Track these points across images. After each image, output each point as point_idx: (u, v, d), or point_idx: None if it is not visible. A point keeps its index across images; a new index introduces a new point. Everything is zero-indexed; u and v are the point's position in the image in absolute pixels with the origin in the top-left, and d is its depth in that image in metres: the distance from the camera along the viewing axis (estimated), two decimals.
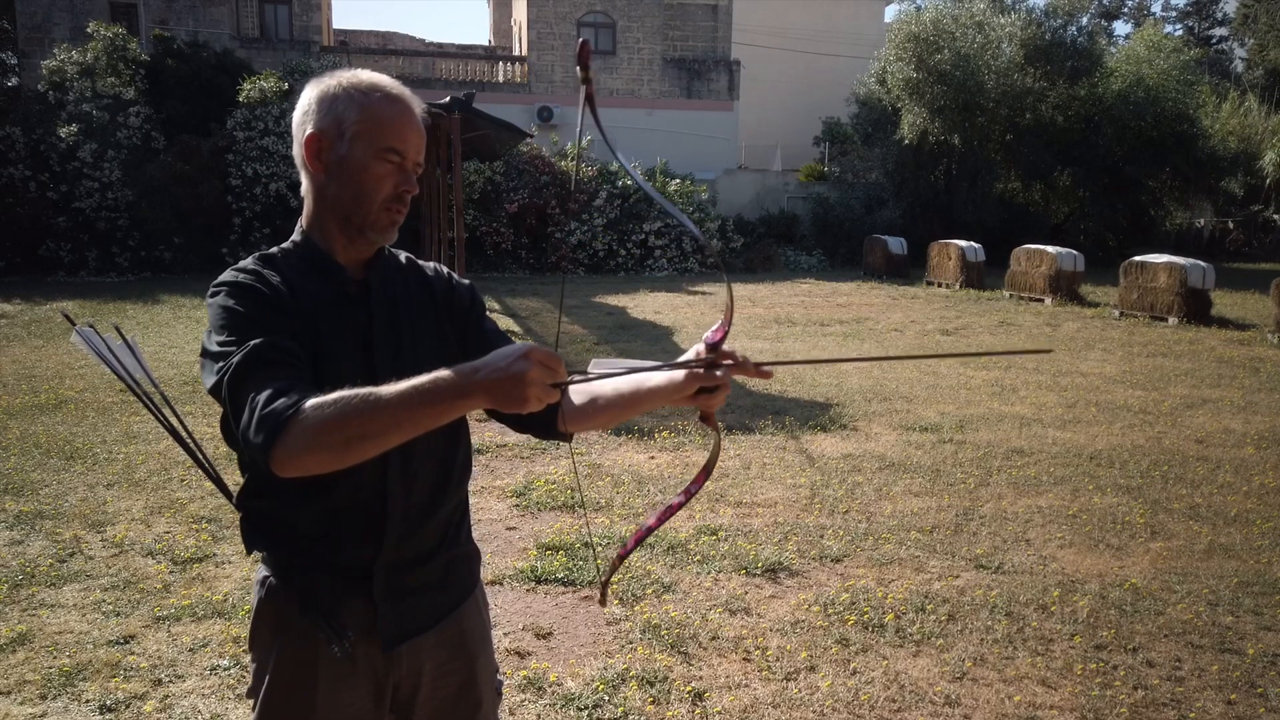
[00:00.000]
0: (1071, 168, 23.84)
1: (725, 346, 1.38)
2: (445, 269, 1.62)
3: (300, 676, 1.46)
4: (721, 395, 1.42)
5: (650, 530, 1.53)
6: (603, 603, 1.51)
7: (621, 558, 1.57)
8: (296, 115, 1.45)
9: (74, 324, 1.61)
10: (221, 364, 1.29)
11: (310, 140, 1.42)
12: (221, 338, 1.32)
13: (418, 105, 1.47)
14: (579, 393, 1.50)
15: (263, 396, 1.23)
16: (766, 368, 1.35)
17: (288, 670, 1.47)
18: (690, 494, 1.51)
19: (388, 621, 1.46)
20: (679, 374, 1.40)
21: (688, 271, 20.58)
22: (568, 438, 1.56)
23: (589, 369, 1.30)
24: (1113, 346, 11.01)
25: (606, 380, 1.43)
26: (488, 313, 1.63)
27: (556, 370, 1.18)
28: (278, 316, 1.35)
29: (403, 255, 1.58)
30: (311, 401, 1.20)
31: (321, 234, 1.46)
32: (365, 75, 1.44)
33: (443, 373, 1.19)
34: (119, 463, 5.77)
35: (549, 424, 1.51)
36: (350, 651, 1.44)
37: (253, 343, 1.29)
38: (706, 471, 1.48)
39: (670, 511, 1.52)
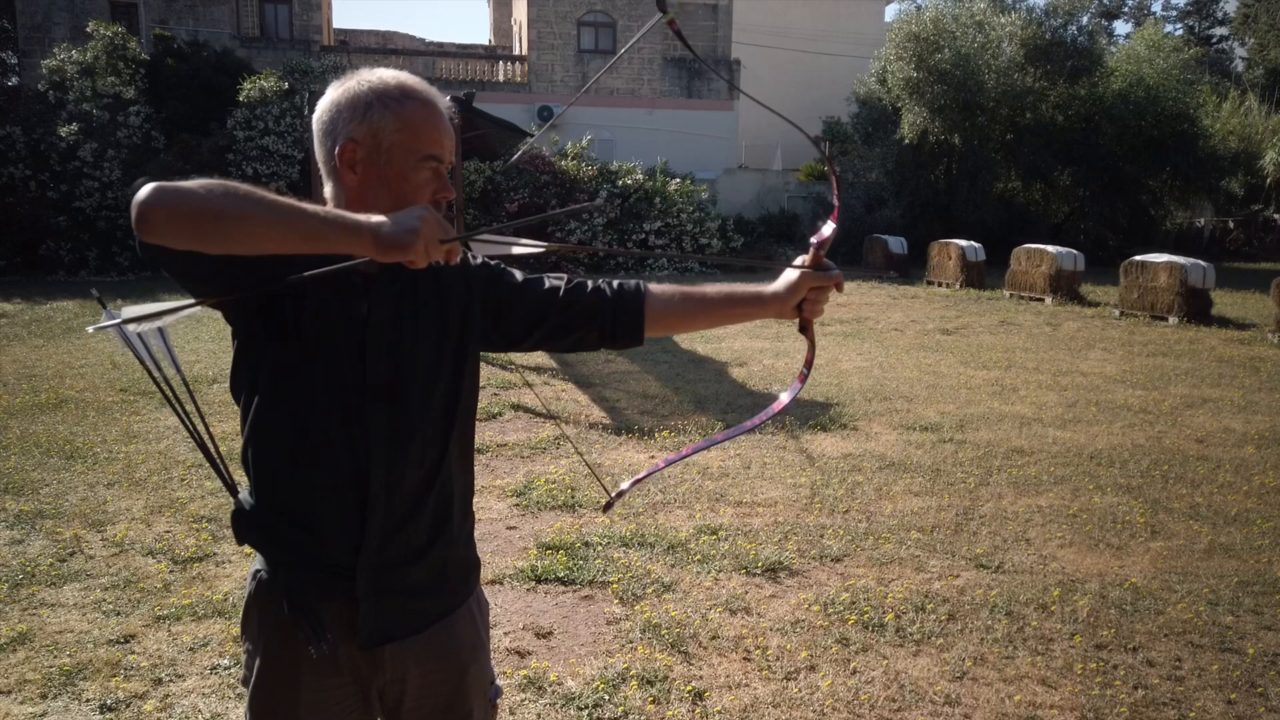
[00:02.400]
0: (1071, 167, 23.83)
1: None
2: (465, 264, 1.57)
3: (285, 672, 1.47)
4: (824, 299, 1.52)
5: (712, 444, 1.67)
6: (607, 508, 1.61)
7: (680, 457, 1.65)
8: (321, 117, 1.42)
9: (105, 306, 1.61)
10: None
11: (346, 150, 1.39)
12: None
13: (445, 103, 1.46)
14: (664, 297, 1.58)
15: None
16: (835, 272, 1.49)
17: (273, 664, 1.48)
18: (795, 392, 1.61)
19: (368, 620, 1.45)
20: (780, 286, 1.52)
21: (688, 271, 20.58)
22: (640, 342, 1.61)
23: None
24: (1113, 346, 11.01)
25: (706, 287, 1.57)
26: (515, 282, 1.60)
27: (446, 229, 1.23)
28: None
29: None
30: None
31: None
32: (390, 76, 1.42)
33: (342, 212, 1.24)
34: (119, 462, 5.77)
35: (636, 327, 1.57)
36: (328, 653, 1.43)
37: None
38: (805, 375, 1.59)
39: (766, 415, 1.63)
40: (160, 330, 1.70)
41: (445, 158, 1.43)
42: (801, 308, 1.55)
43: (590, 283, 1.60)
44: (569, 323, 1.58)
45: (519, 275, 1.60)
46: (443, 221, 1.23)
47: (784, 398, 1.63)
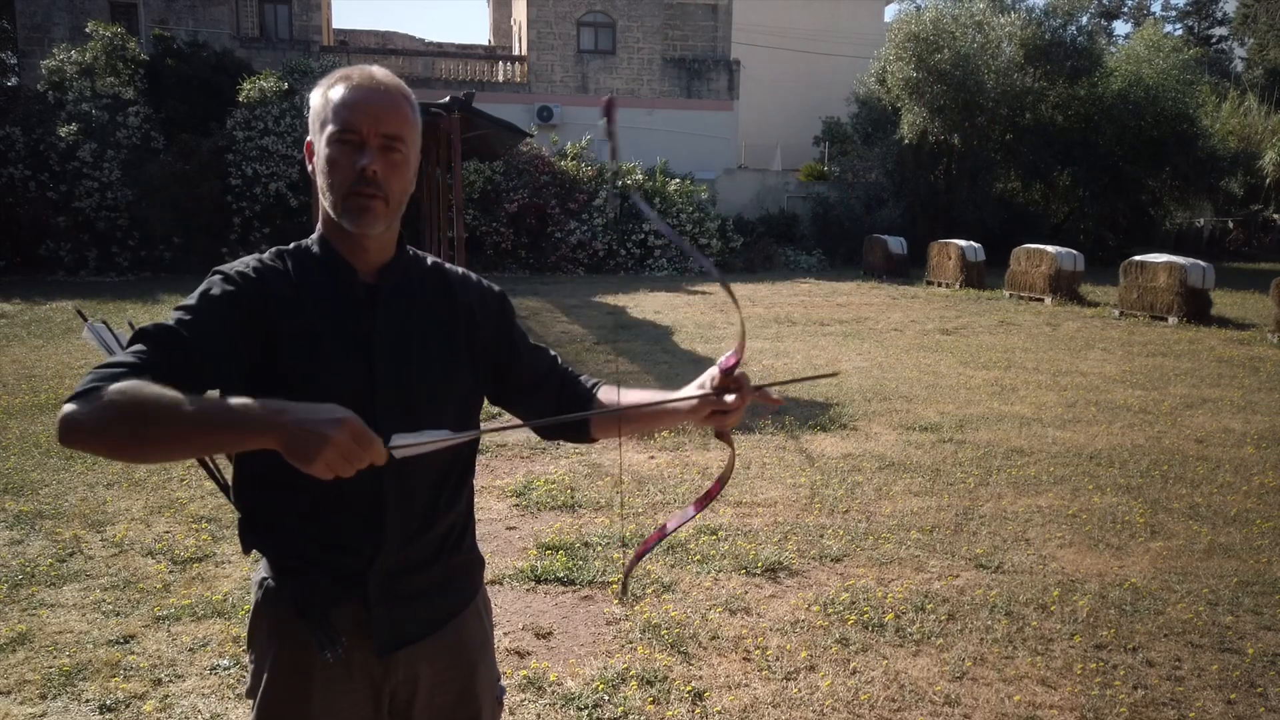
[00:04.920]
0: (1071, 167, 23.85)
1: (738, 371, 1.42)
2: (475, 275, 1.60)
3: (295, 680, 1.45)
4: (735, 416, 1.44)
5: (666, 533, 1.57)
6: (623, 598, 1.59)
7: (638, 557, 1.61)
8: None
9: (86, 319, 1.61)
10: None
11: (308, 147, 1.45)
12: (175, 310, 1.35)
13: (389, 84, 1.41)
14: (609, 400, 1.54)
15: (109, 359, 1.23)
16: (767, 390, 1.40)
17: (283, 673, 1.46)
18: (703, 504, 1.54)
19: (382, 627, 1.45)
20: (685, 405, 1.45)
21: (688, 271, 20.60)
22: (594, 440, 1.60)
23: (391, 444, 1.26)
24: (1113, 346, 11.01)
25: (631, 393, 1.51)
26: (516, 320, 1.63)
27: (363, 450, 1.16)
28: (238, 318, 1.34)
29: (429, 259, 1.56)
30: (126, 381, 1.17)
31: (332, 235, 1.46)
32: (352, 69, 1.43)
33: (252, 402, 1.16)
34: (118, 462, 5.76)
35: (582, 429, 1.56)
36: (343, 658, 1.43)
37: (169, 323, 1.29)
38: (721, 483, 1.52)
39: (687, 519, 1.57)
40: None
41: (362, 127, 1.36)
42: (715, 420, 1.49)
43: (569, 372, 1.61)
44: (548, 407, 1.58)
45: (525, 339, 1.61)
46: (365, 436, 1.16)
47: (676, 520, 1.58)
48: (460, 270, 1.59)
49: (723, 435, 1.48)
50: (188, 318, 1.31)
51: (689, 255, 1.45)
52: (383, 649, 1.45)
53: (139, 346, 1.26)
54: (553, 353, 1.63)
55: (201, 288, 1.37)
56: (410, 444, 1.25)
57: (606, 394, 1.56)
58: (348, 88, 1.40)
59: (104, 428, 1.15)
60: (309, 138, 1.44)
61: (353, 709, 1.47)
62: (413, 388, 1.44)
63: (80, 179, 17.32)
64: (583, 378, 1.62)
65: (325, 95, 1.41)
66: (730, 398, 1.40)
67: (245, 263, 1.42)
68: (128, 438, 1.16)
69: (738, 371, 1.40)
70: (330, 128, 1.38)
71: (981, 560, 4.39)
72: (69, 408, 1.16)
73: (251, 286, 1.37)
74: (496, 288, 1.61)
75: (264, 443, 1.15)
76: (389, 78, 1.42)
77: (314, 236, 1.48)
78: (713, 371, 1.43)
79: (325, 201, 1.42)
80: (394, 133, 1.39)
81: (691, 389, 1.45)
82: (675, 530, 1.57)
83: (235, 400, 1.17)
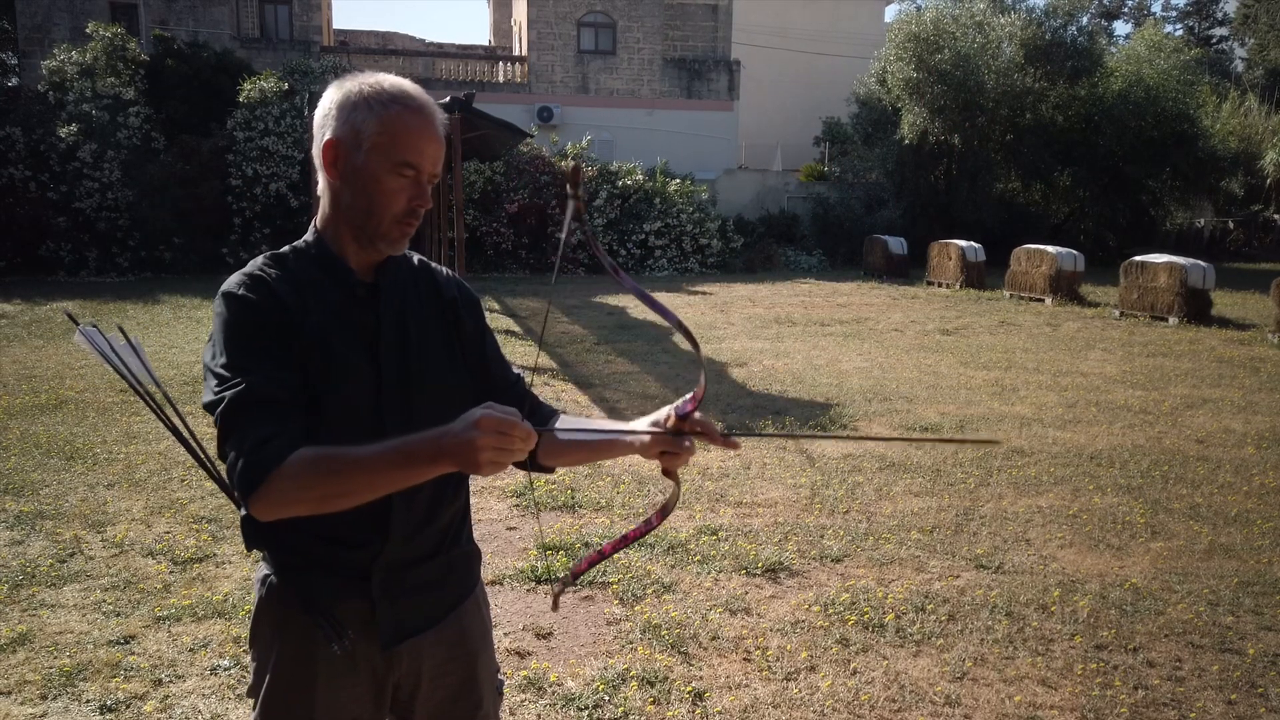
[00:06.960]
0: (1071, 168, 23.84)
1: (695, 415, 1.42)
2: (457, 277, 1.63)
3: (300, 675, 1.46)
4: (684, 458, 1.45)
5: (604, 556, 1.60)
6: (555, 607, 1.58)
7: (575, 575, 1.63)
8: (317, 116, 1.44)
9: (77, 323, 1.61)
10: (218, 392, 1.32)
11: (328, 146, 1.40)
12: (221, 360, 1.34)
13: (439, 115, 1.44)
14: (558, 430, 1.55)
15: (249, 443, 1.27)
16: (734, 438, 1.41)
17: (288, 669, 1.47)
18: (647, 529, 1.55)
19: (387, 620, 1.46)
20: (640, 439, 1.45)
21: (688, 271, 20.60)
22: (549, 470, 1.60)
23: (556, 428, 1.38)
24: (1113, 346, 11.01)
25: (583, 421, 1.52)
26: (488, 325, 1.65)
27: (509, 435, 1.20)
28: (277, 335, 1.35)
29: (415, 257, 1.58)
30: (293, 457, 1.26)
31: (334, 237, 1.46)
32: (388, 81, 1.41)
33: (415, 437, 1.24)
34: (119, 463, 5.77)
35: (532, 457, 1.53)
36: (350, 650, 1.44)
37: (245, 384, 1.30)
38: (663, 514, 1.53)
39: (625, 541, 1.59)
40: (133, 345, 1.70)
41: (425, 168, 1.41)
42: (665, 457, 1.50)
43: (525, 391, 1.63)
44: None
45: (496, 346, 1.63)
46: (505, 423, 1.20)
47: (612, 545, 1.60)
48: (445, 270, 1.62)
49: (670, 473, 1.50)
50: (260, 373, 1.32)
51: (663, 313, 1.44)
52: (388, 642, 1.47)
53: (252, 413, 1.29)
54: (518, 370, 1.65)
55: (231, 319, 1.35)
56: (568, 429, 1.39)
57: (564, 423, 1.57)
58: (415, 119, 1.40)
59: (297, 500, 1.27)
60: (330, 136, 1.40)
61: (355, 702, 1.49)
62: (415, 382, 1.46)
63: (81, 179, 17.31)
64: (543, 405, 1.63)
65: (383, 116, 1.38)
66: (686, 443, 1.42)
67: (252, 275, 1.40)
68: (318, 502, 1.28)
69: (696, 415, 1.41)
70: (396, 158, 1.38)
71: (982, 560, 4.39)
72: (255, 495, 1.26)
73: (271, 300, 1.38)
74: (476, 298, 1.64)
75: (440, 470, 1.25)
76: (434, 103, 1.45)
77: (309, 237, 1.47)
78: (668, 411, 1.44)
79: (358, 218, 1.42)
80: (439, 170, 1.46)
81: (646, 423, 1.46)
82: (611, 554, 1.60)
83: (399, 441, 1.25)
